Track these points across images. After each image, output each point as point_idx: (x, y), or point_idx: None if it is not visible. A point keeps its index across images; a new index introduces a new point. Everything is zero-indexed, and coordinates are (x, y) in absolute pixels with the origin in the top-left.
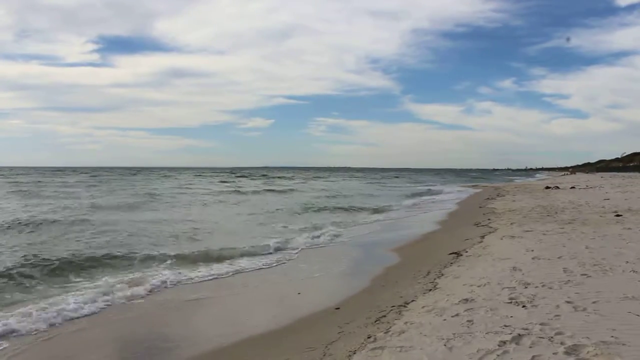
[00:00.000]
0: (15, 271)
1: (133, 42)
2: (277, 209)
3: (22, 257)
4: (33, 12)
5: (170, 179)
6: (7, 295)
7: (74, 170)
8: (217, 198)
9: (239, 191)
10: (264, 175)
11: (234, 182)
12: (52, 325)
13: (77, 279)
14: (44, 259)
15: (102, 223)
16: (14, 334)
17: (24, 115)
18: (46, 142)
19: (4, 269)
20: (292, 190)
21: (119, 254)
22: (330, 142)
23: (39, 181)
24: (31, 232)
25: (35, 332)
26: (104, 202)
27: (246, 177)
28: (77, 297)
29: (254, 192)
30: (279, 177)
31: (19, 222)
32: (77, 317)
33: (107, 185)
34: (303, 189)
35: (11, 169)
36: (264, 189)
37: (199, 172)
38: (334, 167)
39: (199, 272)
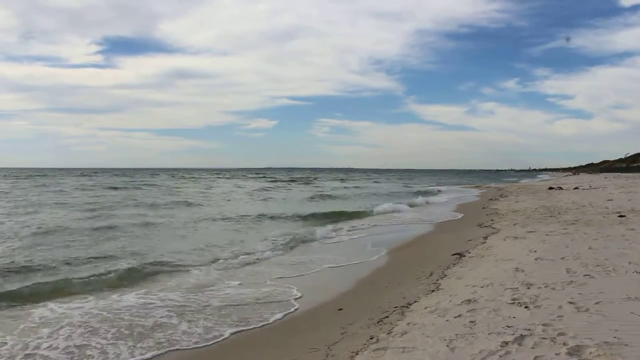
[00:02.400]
0: None
1: (137, 43)
2: None
3: None
4: (38, 14)
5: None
6: None
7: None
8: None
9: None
10: (295, 179)
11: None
12: None
13: None
14: None
15: None
16: None
17: (28, 117)
18: (50, 143)
19: None
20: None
21: None
22: (333, 143)
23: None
24: None
25: None
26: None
27: (269, 178)
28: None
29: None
30: (306, 178)
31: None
32: None
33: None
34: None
35: (13, 170)
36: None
37: (212, 174)
38: (337, 168)
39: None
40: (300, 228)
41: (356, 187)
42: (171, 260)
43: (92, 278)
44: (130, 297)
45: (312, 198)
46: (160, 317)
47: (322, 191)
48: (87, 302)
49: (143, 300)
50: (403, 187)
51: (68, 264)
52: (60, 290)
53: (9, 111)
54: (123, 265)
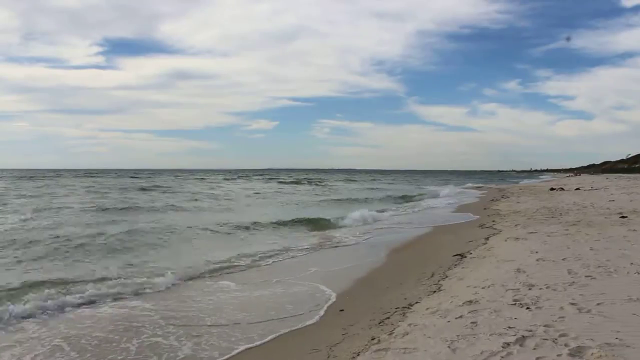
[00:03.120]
0: None
1: (138, 44)
2: None
3: None
4: (39, 15)
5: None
6: None
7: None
8: None
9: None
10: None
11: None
12: None
13: None
14: None
15: None
16: None
17: (29, 118)
18: (51, 144)
19: None
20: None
21: None
22: (334, 144)
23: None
24: None
25: None
26: None
27: (282, 181)
28: None
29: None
30: (315, 180)
31: None
32: None
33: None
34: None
35: (13, 171)
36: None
37: (217, 175)
38: (338, 169)
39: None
40: (317, 230)
41: (371, 188)
42: (152, 267)
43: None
44: (108, 308)
45: (332, 200)
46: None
47: (340, 193)
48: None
49: (126, 311)
50: (414, 188)
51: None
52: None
53: (9, 112)
54: (112, 271)
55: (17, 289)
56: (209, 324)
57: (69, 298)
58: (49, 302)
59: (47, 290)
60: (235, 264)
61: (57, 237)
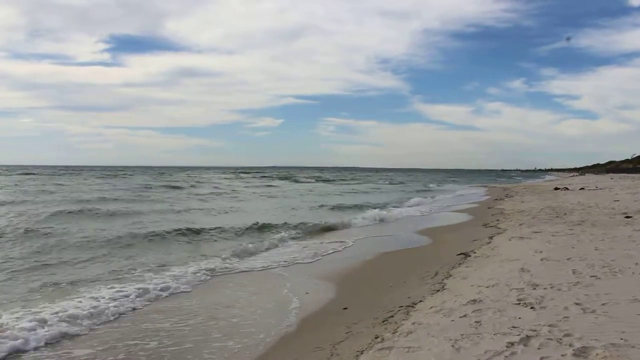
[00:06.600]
0: None
1: (143, 41)
2: None
3: None
4: (45, 12)
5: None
6: None
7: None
8: None
9: None
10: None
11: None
12: None
13: None
14: None
15: None
16: None
17: (34, 115)
18: (56, 141)
19: None
20: None
21: None
22: (338, 142)
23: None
24: None
25: None
26: None
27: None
28: None
29: None
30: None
31: None
32: None
33: None
34: None
35: (14, 167)
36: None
37: (232, 173)
38: (343, 167)
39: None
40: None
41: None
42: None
43: None
44: None
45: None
46: None
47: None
48: None
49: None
50: (436, 186)
51: None
52: None
53: (15, 109)
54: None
55: None
56: None
57: None
58: None
59: None
60: None
61: None
